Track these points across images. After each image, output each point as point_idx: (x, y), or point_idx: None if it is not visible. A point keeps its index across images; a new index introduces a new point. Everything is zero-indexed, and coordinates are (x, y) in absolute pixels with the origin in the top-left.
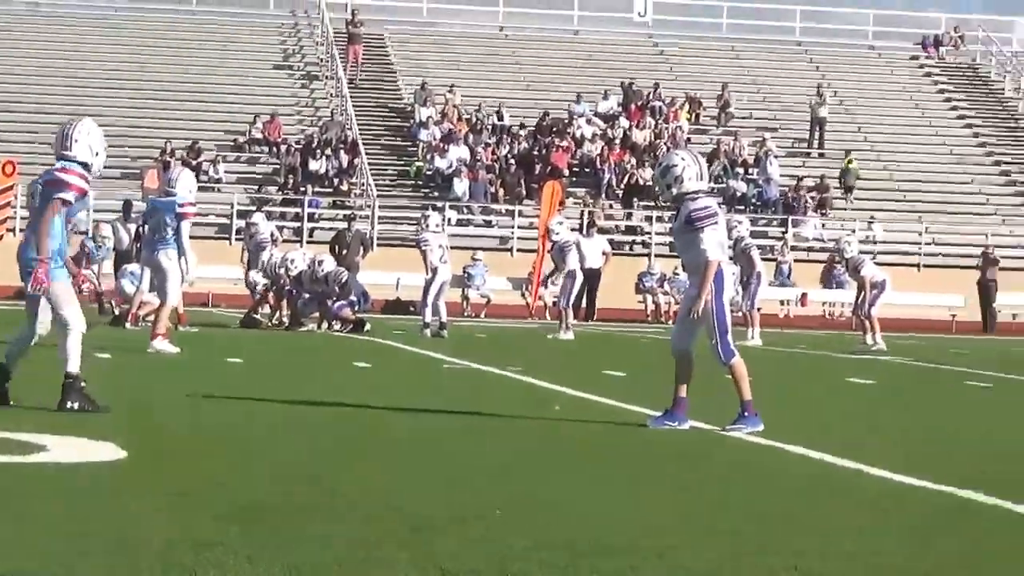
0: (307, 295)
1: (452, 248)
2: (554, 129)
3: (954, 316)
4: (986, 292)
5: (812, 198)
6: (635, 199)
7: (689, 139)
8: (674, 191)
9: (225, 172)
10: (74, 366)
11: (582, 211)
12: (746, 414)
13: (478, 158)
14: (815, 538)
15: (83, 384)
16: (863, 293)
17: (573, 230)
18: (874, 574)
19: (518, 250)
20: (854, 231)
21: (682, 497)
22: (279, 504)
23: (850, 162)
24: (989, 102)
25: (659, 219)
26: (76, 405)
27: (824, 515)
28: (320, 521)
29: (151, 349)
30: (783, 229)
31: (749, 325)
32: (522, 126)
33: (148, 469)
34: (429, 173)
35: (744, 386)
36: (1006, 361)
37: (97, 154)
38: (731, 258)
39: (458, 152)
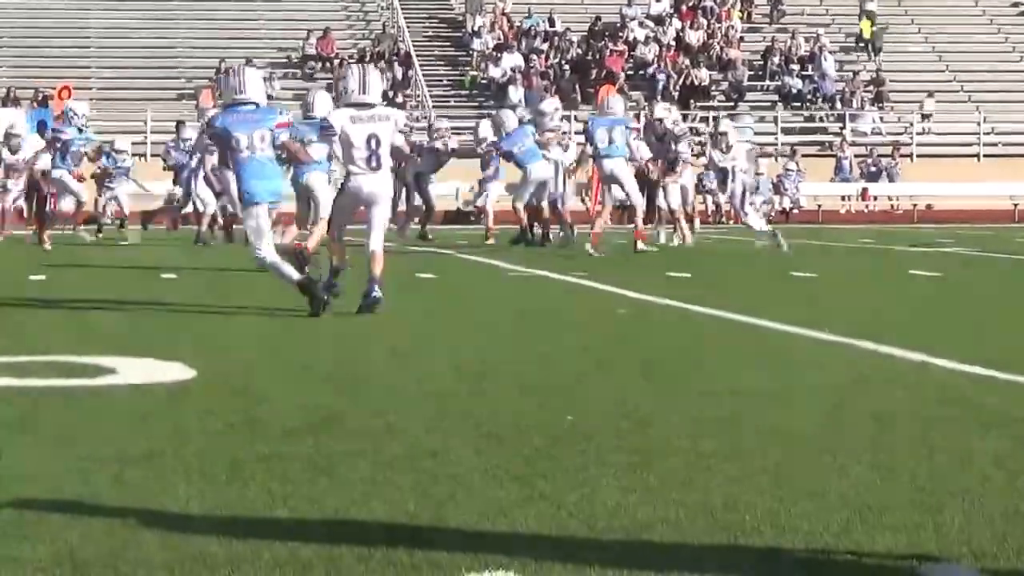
0: None
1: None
2: (607, 34)
3: (1016, 205)
4: None
5: (868, 92)
6: (692, 100)
7: (742, 38)
8: None
9: (281, 89)
10: None
11: (637, 114)
12: None
13: (532, 65)
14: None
15: None
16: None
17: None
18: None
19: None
20: (902, 120)
21: (749, 395)
22: (350, 417)
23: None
24: None
25: (716, 120)
26: None
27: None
28: (390, 433)
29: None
30: (840, 125)
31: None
32: (568, 31)
33: (216, 389)
34: (484, 82)
35: None
36: None
37: None
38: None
39: (512, 60)
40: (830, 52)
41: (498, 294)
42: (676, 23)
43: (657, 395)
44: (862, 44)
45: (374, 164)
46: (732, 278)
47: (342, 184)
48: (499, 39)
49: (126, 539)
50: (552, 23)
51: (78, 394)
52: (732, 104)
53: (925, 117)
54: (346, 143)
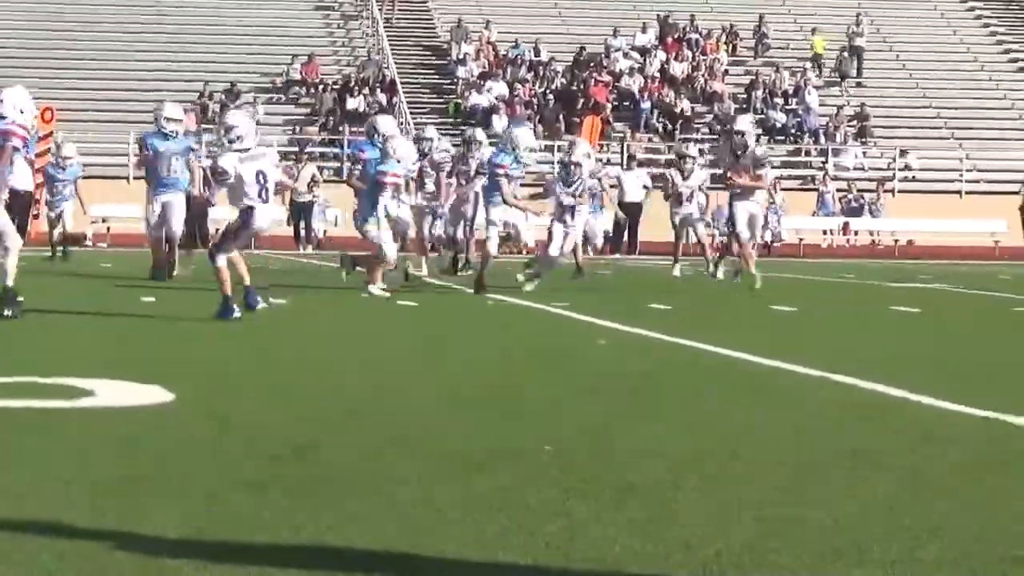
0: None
1: None
2: (591, 64)
3: (997, 242)
4: None
5: (852, 127)
6: (675, 132)
7: (727, 71)
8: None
9: (265, 114)
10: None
11: (622, 145)
12: None
13: (516, 94)
14: (866, 464)
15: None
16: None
17: (614, 164)
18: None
19: None
20: (894, 159)
21: (729, 429)
22: (331, 443)
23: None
24: None
25: (700, 152)
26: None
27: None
28: (370, 459)
29: (364, 294)
30: (823, 159)
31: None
32: (552, 60)
33: (196, 412)
34: (468, 110)
35: None
36: None
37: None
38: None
39: (496, 88)
40: (814, 87)
41: (479, 323)
42: (661, 55)
43: (638, 427)
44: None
45: (264, 197)
46: (712, 310)
47: (242, 216)
48: (484, 67)
49: (102, 563)
50: (537, 52)
51: (55, 416)
52: (716, 137)
53: (904, 153)
54: (239, 181)
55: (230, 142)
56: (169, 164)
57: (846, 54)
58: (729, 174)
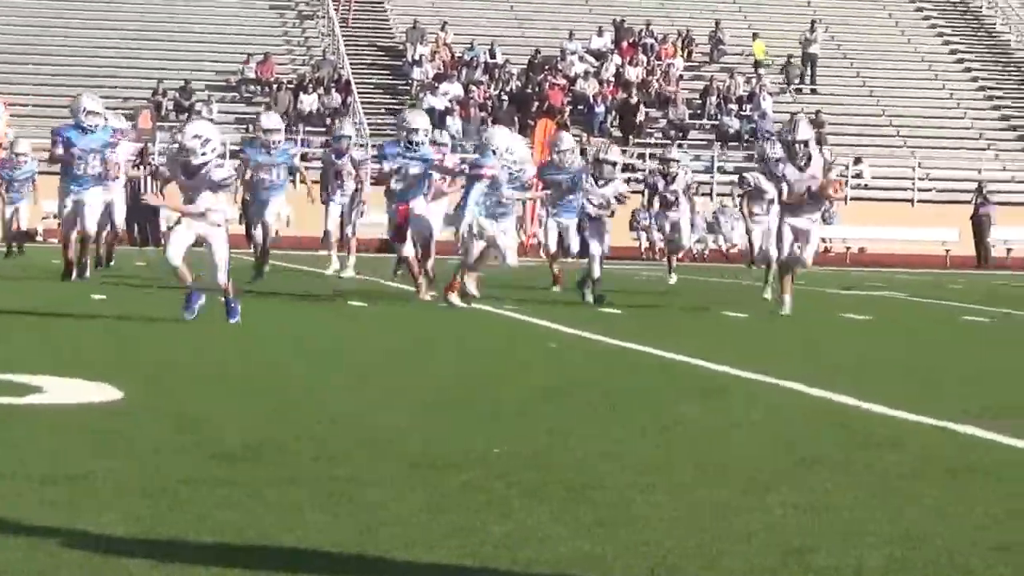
0: None
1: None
2: (546, 67)
3: (948, 251)
4: (979, 227)
5: None
6: (630, 136)
7: (681, 76)
8: None
9: (218, 112)
10: None
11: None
12: None
13: (471, 96)
14: (822, 471)
15: None
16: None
17: None
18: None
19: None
20: (846, 167)
21: (682, 433)
22: (284, 441)
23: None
24: (982, 38)
25: (652, 156)
26: None
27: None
28: (324, 459)
29: (443, 304)
30: None
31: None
32: (507, 63)
33: (146, 410)
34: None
35: None
36: (1007, 296)
37: None
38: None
39: (451, 90)
40: (769, 93)
41: (432, 326)
42: (616, 59)
43: (592, 431)
44: (800, 86)
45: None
46: (664, 316)
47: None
48: (439, 69)
49: (49, 561)
50: (493, 55)
51: (4, 412)
52: (670, 142)
53: (858, 160)
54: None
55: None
56: (86, 161)
57: (795, 60)
58: (802, 193)
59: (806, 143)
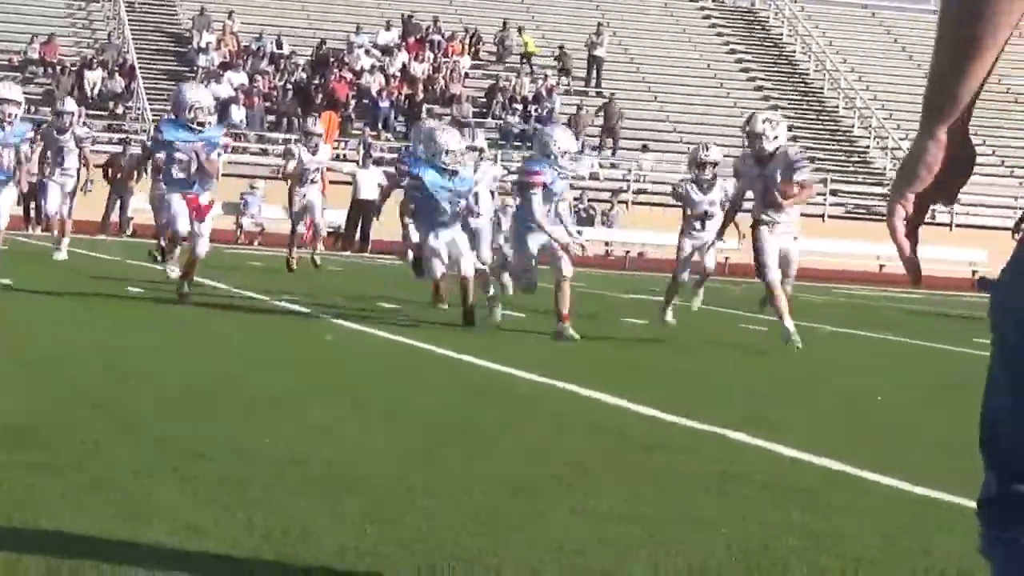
0: None
1: (227, 176)
2: (332, 60)
3: (727, 258)
4: (759, 235)
5: (593, 137)
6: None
7: (467, 74)
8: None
9: None
10: None
11: (360, 142)
12: None
13: (255, 85)
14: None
15: None
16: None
17: (351, 161)
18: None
19: None
20: (629, 170)
21: (448, 428)
22: (57, 425)
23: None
24: (767, 47)
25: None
26: None
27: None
28: (90, 446)
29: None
30: None
31: None
32: (294, 54)
33: None
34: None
35: None
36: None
37: None
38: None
39: (236, 79)
40: (557, 93)
41: (196, 316)
42: (403, 55)
43: (363, 426)
44: (586, 88)
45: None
46: (432, 311)
47: None
48: (225, 57)
49: None
50: (280, 45)
51: None
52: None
53: (640, 165)
54: None
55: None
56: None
57: (568, 50)
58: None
59: (760, 136)
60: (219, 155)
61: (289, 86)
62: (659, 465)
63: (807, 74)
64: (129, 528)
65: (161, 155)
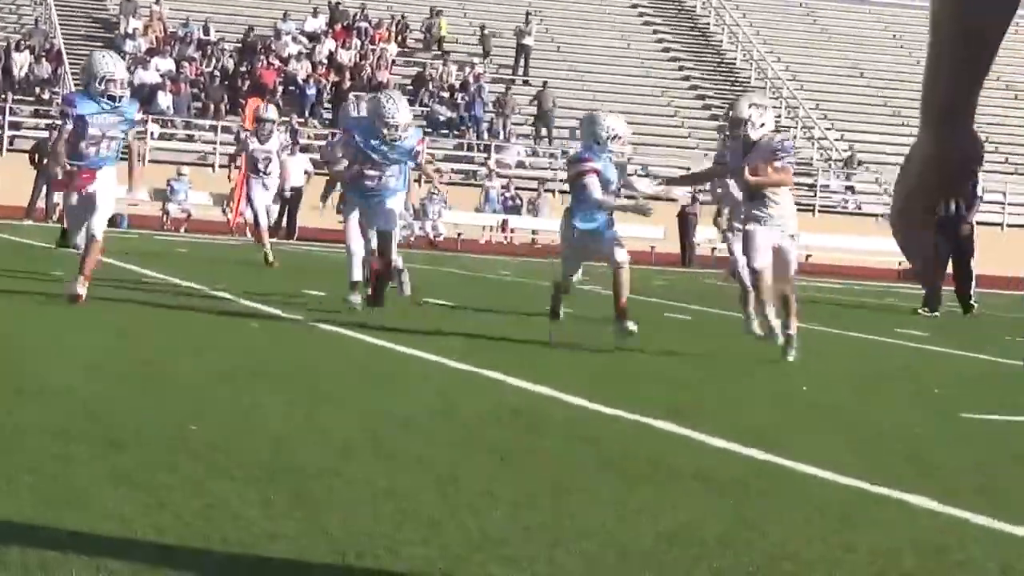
0: None
1: (153, 162)
2: (260, 46)
3: (653, 248)
4: (686, 225)
5: (520, 125)
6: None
7: (394, 61)
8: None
9: None
10: None
11: (286, 128)
12: None
13: (182, 72)
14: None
15: None
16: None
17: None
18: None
19: (220, 166)
20: (556, 158)
21: (377, 416)
22: None
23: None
24: (696, 39)
25: None
26: None
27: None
28: (8, 436)
29: None
30: (486, 155)
31: None
32: (221, 41)
33: None
34: (132, 85)
35: None
36: (704, 294)
37: None
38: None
39: (163, 65)
40: (486, 82)
41: (128, 306)
42: (330, 42)
43: (290, 412)
44: (514, 77)
45: None
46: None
47: None
48: (152, 43)
49: None
50: (207, 31)
51: None
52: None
53: (567, 153)
54: None
55: None
56: None
57: (488, 33)
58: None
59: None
60: (136, 135)
61: (216, 72)
62: (586, 454)
63: (734, 64)
64: (53, 515)
65: (69, 127)
